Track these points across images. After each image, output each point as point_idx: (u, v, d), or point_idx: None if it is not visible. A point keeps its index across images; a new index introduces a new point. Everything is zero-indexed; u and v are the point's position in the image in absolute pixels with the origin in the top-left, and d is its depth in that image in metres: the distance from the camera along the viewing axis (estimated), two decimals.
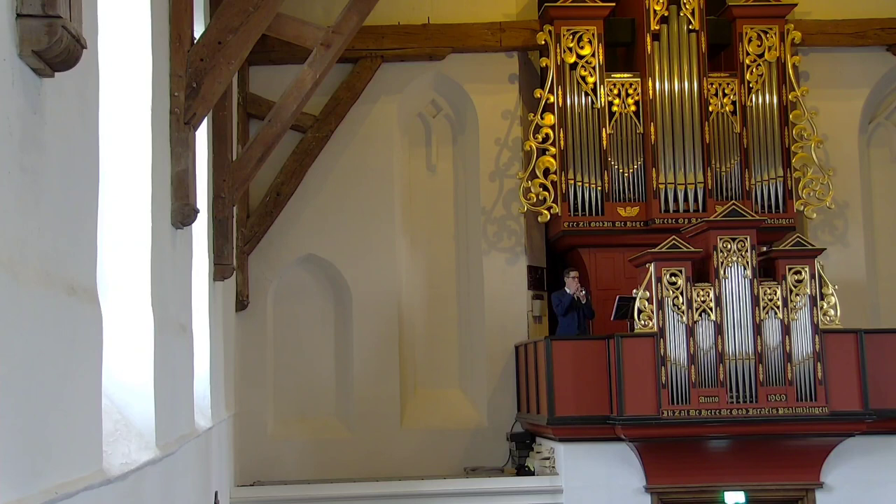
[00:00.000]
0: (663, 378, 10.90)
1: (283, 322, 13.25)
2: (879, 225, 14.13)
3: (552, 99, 13.13)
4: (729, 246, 11.14)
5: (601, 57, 13.17)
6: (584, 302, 12.27)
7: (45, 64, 3.28)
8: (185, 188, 6.70)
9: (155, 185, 5.93)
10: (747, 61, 13.35)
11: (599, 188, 13.02)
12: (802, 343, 11.04)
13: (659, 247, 11.16)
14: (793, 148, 13.32)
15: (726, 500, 11.28)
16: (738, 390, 10.93)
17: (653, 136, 13.05)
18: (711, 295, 11.06)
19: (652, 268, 11.08)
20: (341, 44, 10.27)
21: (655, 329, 10.99)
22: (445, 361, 13.61)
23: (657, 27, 13.16)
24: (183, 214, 6.69)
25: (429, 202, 13.81)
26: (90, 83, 4.22)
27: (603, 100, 13.15)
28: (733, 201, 11.84)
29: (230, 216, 10.08)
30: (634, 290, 11.19)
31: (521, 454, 12.52)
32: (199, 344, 8.60)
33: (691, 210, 12.88)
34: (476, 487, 11.86)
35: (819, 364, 11.02)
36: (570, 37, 13.18)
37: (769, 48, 13.35)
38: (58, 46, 3.20)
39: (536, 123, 13.17)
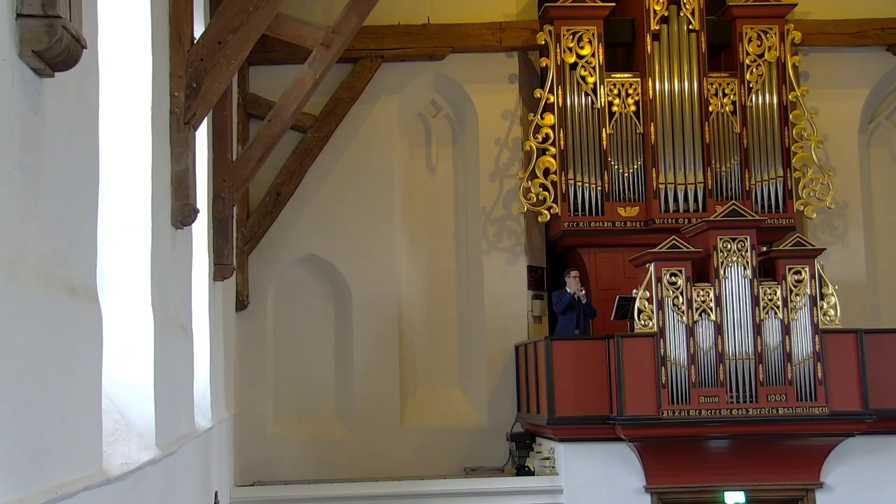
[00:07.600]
0: (663, 378, 10.90)
1: (283, 322, 13.25)
2: (879, 225, 14.12)
3: (552, 99, 13.13)
4: (729, 246, 11.14)
5: (601, 57, 13.16)
6: (584, 301, 12.28)
7: (45, 64, 3.27)
8: (185, 188, 6.69)
9: (155, 185, 5.92)
10: (747, 61, 13.35)
11: (599, 188, 13.01)
12: (802, 343, 11.04)
13: (659, 247, 11.16)
14: (793, 148, 13.31)
15: (726, 500, 11.28)
16: (738, 390, 10.93)
17: (653, 136, 13.05)
18: (711, 295, 11.06)
19: (652, 268, 11.08)
20: (341, 44, 10.27)
21: (655, 329, 10.99)
22: (445, 361, 13.60)
23: (657, 27, 13.15)
24: (183, 214, 6.69)
25: (429, 202, 13.80)
26: (90, 83, 4.21)
27: (603, 100, 13.15)
28: (733, 201, 11.83)
29: (230, 216, 10.07)
30: (634, 290, 11.19)
31: (521, 454, 12.51)
32: (199, 344, 8.60)
33: (691, 210, 12.87)
34: (476, 487, 11.85)
35: (819, 364, 11.02)
36: (570, 37, 13.17)
37: (769, 48, 13.34)
38: (58, 46, 3.20)
39: (536, 123, 13.16)
